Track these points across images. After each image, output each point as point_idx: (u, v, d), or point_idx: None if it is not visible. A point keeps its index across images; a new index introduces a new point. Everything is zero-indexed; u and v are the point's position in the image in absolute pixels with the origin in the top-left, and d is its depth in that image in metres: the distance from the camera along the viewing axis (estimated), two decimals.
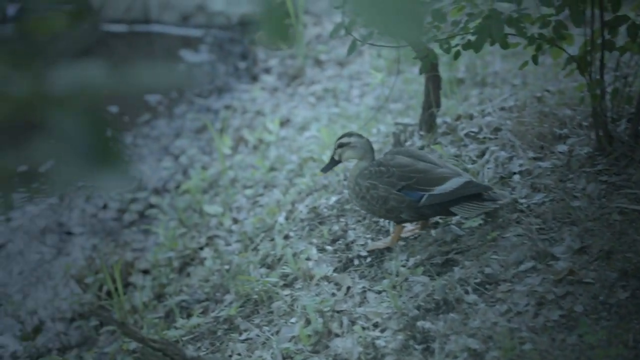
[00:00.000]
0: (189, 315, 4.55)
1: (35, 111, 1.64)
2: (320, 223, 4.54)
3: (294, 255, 4.25)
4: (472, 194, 3.66)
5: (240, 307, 4.15)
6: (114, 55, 10.74)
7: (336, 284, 3.86)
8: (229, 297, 4.38)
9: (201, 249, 5.28)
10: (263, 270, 4.39)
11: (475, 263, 3.52)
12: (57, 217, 6.65)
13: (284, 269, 4.17)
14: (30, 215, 6.70)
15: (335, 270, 3.98)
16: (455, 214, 3.74)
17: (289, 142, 6.70)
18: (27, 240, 6.35)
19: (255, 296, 4.09)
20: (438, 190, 3.69)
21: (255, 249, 4.73)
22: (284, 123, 7.36)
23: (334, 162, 4.05)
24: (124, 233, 6.23)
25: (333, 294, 3.77)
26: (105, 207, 6.69)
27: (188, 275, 5.20)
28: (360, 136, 3.96)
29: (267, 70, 9.41)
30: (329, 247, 4.19)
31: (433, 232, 3.91)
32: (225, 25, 11.19)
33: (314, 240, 4.32)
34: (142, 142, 8.05)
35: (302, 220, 4.70)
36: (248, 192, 5.90)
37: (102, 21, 11.40)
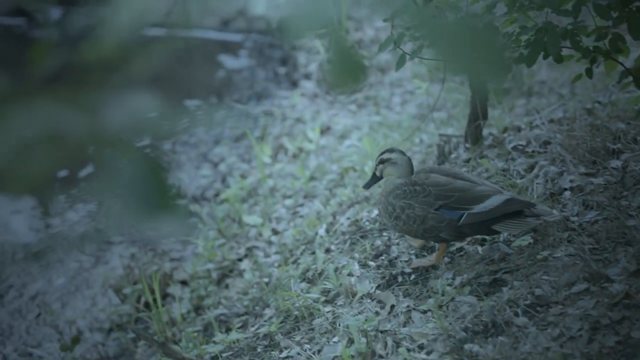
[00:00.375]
0: (228, 330, 4.50)
1: (89, 151, 1.58)
2: (362, 237, 4.46)
3: (336, 270, 4.18)
4: (514, 211, 3.57)
5: (281, 322, 4.08)
6: (155, 61, 10.76)
7: (379, 301, 3.78)
8: (268, 312, 4.32)
9: (240, 260, 5.23)
10: (303, 284, 4.32)
11: (525, 284, 3.41)
12: (97, 224, 6.64)
13: (325, 284, 4.10)
14: (70, 222, 6.71)
15: (378, 287, 3.90)
16: (497, 232, 3.66)
17: (329, 151, 6.63)
18: (67, 247, 6.35)
19: (296, 312, 4.02)
20: (478, 208, 3.62)
21: (296, 262, 4.66)
22: (324, 131, 7.30)
23: (375, 178, 4.00)
24: (162, 243, 6.20)
25: (376, 313, 3.68)
26: None
27: (227, 287, 5.16)
28: (402, 153, 3.92)
29: (307, 76, 9.36)
30: (371, 263, 4.10)
31: (480, 249, 3.81)
32: (265, 30, 11.17)
33: (356, 255, 4.24)
34: (181, 148, 8.04)
35: (343, 234, 4.62)
36: (288, 202, 5.84)
37: (142, 26, 11.45)
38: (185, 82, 9.84)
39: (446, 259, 3.87)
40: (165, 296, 5.39)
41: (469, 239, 3.90)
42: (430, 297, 3.63)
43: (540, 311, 3.27)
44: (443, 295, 3.58)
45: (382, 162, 3.94)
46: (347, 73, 1.54)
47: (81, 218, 6.67)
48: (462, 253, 3.87)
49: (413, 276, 3.88)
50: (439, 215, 3.69)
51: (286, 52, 10.54)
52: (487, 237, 3.88)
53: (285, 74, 9.86)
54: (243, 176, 6.81)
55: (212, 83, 9.74)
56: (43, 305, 5.64)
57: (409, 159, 3.91)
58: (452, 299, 3.52)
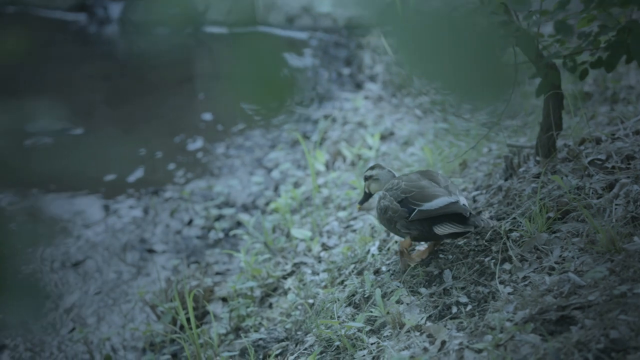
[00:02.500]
0: (266, 357, 4.23)
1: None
2: None
3: (384, 296, 3.86)
4: (456, 216, 3.81)
5: (321, 353, 3.79)
6: (216, 60, 10.64)
7: (429, 335, 3.44)
8: (309, 339, 4.03)
9: (285, 277, 4.96)
10: (349, 310, 4.02)
11: (599, 323, 3.02)
12: (140, 232, 6.49)
13: (371, 311, 3.79)
14: (112, 229, 6.57)
15: (429, 318, 3.56)
16: (438, 236, 3.86)
17: (390, 159, 6.31)
18: (107, 256, 6.21)
19: (338, 342, 3.72)
20: (426, 206, 3.90)
21: (342, 283, 4.36)
22: (386, 137, 6.97)
23: (366, 195, 4.39)
24: (207, 253, 5.99)
25: (425, 349, 3.35)
26: (190, 223, 6.49)
27: (270, 306, 4.89)
28: (381, 167, 4.31)
29: (373, 78, 9.05)
30: (423, 290, 3.77)
31: (547, 279, 3.43)
32: (331, 28, 10.91)
33: (407, 279, 3.91)
34: (235, 152, 7.83)
35: (396, 253, 4.29)
36: (341, 214, 5.54)
37: (205, 23, 11.34)
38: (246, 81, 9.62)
39: (508, 289, 3.51)
40: (205, 314, 5.16)
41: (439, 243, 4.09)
42: (487, 333, 3.27)
43: (616, 357, 2.88)
44: (502, 332, 3.22)
45: (366, 179, 4.35)
46: None
47: (125, 225, 6.53)
48: (526, 282, 3.50)
49: (469, 307, 3.53)
50: (396, 206, 4.00)
51: (351, 52, 10.25)
52: (554, 265, 3.50)
53: (349, 75, 9.57)
54: (296, 184, 6.55)
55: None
56: (78, 319, 5.49)
57: (389, 170, 4.29)
58: (512, 338, 3.16)
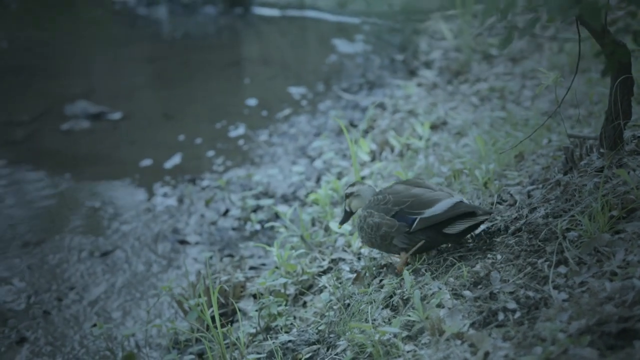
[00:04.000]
0: None
1: None
2: (461, 258, 3.83)
3: (424, 298, 3.57)
4: (464, 214, 3.80)
5: (352, 359, 3.53)
6: (264, 43, 10.43)
7: (471, 345, 3.14)
8: (342, 343, 3.77)
9: (321, 275, 4.69)
10: (386, 312, 3.75)
11: None
12: (174, 222, 6.31)
13: (409, 315, 3.50)
14: (145, 218, 6.40)
15: (472, 325, 3.26)
16: (452, 237, 3.86)
17: (440, 149, 6.00)
18: (137, 247, 6.03)
19: (371, 348, 3.45)
20: (428, 212, 3.88)
21: (381, 283, 4.08)
22: (438, 126, 6.66)
23: (347, 214, 4.41)
24: (242, 247, 5.76)
25: None
26: (226, 213, 6.27)
27: (304, 305, 4.64)
28: (362, 183, 4.34)
29: (428, 64, 8.73)
30: (467, 293, 3.47)
31: (608, 285, 3.10)
32: (385, 13, 10.61)
33: (451, 280, 3.62)
34: (278, 140, 7.60)
35: (439, 252, 4.00)
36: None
37: (253, 4, 11.14)
38: (294, 66, 9.41)
39: (563, 295, 3.19)
40: (235, 312, 4.93)
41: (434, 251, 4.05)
42: (536, 344, 2.96)
43: None
44: (553, 344, 2.90)
45: (347, 196, 4.36)
46: None
47: (158, 214, 6.36)
48: (584, 288, 3.18)
49: (518, 314, 3.22)
50: (391, 220, 3.98)
51: (407, 38, 9.95)
52: (616, 271, 3.17)
53: (402, 61, 9.26)
54: (340, 175, 6.28)
55: (322, 68, 9.27)
56: (103, 313, 5.32)
57: (369, 186, 4.32)
58: (565, 351, 2.84)
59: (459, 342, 3.18)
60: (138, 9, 11.28)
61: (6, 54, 10.03)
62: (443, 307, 3.43)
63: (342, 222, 4.44)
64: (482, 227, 4.02)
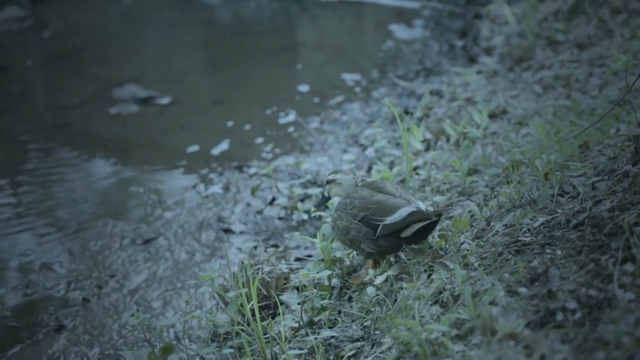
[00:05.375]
0: (337, 358, 3.82)
1: None
2: (518, 252, 3.61)
3: (475, 295, 3.37)
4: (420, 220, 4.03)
5: (397, 358, 3.35)
6: (319, 28, 10.28)
7: (526, 346, 2.94)
8: (387, 341, 3.59)
9: (367, 268, 4.51)
10: (435, 309, 3.56)
11: None
12: (219, 210, 6.19)
13: (459, 312, 3.31)
14: (189, 205, 6.30)
15: (527, 326, 3.05)
16: (408, 240, 4.10)
17: (499, 139, 5.76)
18: (181, 235, 5.93)
19: (417, 347, 3.27)
20: (389, 220, 4.10)
21: (430, 277, 3.88)
22: (497, 115, 6.42)
23: (324, 198, 4.60)
24: (288, 237, 5.61)
25: None
26: (272, 202, 6.14)
27: (349, 299, 4.47)
28: (345, 173, 4.51)
29: (488, 51, 8.47)
30: (523, 290, 3.25)
31: None
32: None
33: (505, 276, 3.41)
34: (329, 127, 7.44)
35: (494, 245, 3.79)
36: (438, 198, 5.05)
37: None
38: (349, 52, 9.23)
39: (629, 295, 2.96)
40: (277, 304, 4.78)
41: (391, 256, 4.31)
42: (598, 348, 2.74)
43: None
44: (618, 348, 2.68)
45: (328, 182, 4.53)
46: None
47: (203, 201, 6.26)
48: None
49: (578, 314, 3.00)
50: (359, 225, 4.19)
51: (468, 23, 9.69)
52: None
53: (462, 48, 9.01)
54: (392, 164, 6.08)
55: (378, 55, 9.07)
56: (142, 302, 5.23)
57: (353, 178, 4.48)
58: (631, 356, 2.62)
59: (512, 343, 2.97)
60: None
61: (58, 38, 10.06)
62: (496, 305, 3.22)
63: (317, 206, 4.65)
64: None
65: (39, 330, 5.00)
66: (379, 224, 4.11)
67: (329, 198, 4.58)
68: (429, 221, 4.02)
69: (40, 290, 5.38)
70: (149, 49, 9.84)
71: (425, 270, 4.06)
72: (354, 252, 4.69)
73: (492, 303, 3.24)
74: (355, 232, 4.20)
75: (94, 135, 7.55)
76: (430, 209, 4.34)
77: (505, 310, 3.16)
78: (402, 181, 5.63)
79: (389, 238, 4.13)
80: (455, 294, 3.56)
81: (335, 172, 4.52)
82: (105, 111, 7.99)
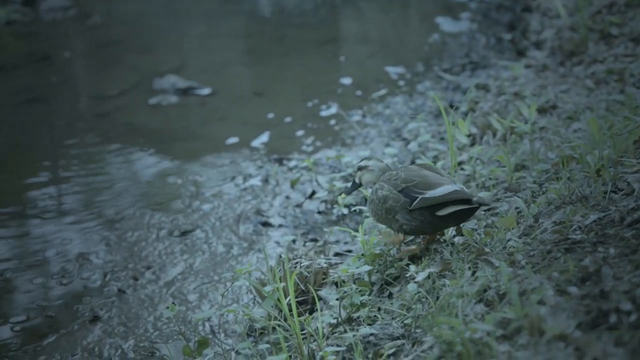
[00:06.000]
0: (376, 356, 3.72)
1: None
2: (568, 250, 3.48)
3: (522, 293, 3.24)
4: (459, 202, 4.02)
5: (439, 357, 3.23)
6: (363, 21, 10.18)
7: (577, 348, 2.81)
8: (429, 340, 3.48)
9: (408, 264, 4.40)
10: (479, 307, 3.44)
11: None
12: (257, 203, 6.12)
13: (505, 311, 3.18)
14: (227, 198, 6.25)
15: (578, 327, 2.92)
16: (443, 222, 4.11)
17: (548, 134, 5.61)
18: (218, 227, 5.87)
19: (460, 347, 3.15)
20: (429, 194, 4.10)
21: (474, 275, 3.76)
22: (547, 110, 6.26)
23: (355, 185, 4.56)
24: (328, 231, 5.52)
25: None
26: (312, 195, 6.05)
27: (389, 296, 4.36)
28: (377, 160, 4.49)
29: (538, 45, 8.29)
30: (573, 290, 3.12)
31: None
32: None
33: (554, 275, 3.28)
34: (371, 121, 7.33)
35: (542, 243, 3.66)
36: (484, 194, 4.92)
37: None
38: (393, 45, 9.11)
39: None
40: (315, 300, 4.69)
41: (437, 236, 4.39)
42: None
43: None
44: None
45: (360, 169, 4.51)
46: None
47: (241, 194, 6.20)
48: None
49: (633, 317, 2.86)
50: (397, 195, 4.19)
51: (517, 16, 9.50)
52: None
53: (510, 41, 8.84)
54: (436, 159, 5.96)
55: (423, 48, 8.94)
56: (178, 295, 5.17)
57: (386, 165, 4.47)
58: None
59: (562, 344, 2.84)
60: None
61: (101, 28, 10.09)
62: (545, 305, 3.10)
63: (348, 192, 4.64)
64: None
65: (74, 320, 4.97)
66: (418, 197, 4.11)
67: (360, 185, 4.55)
68: (467, 206, 3.99)
69: (76, 280, 5.36)
70: (189, 40, 9.81)
71: (469, 268, 3.95)
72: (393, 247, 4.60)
73: (541, 302, 3.12)
74: (393, 202, 4.20)
75: (133, 125, 7.54)
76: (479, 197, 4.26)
77: (554, 310, 3.03)
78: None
79: (424, 213, 4.12)
80: (500, 292, 3.44)
81: (368, 159, 4.51)
82: (145, 101, 7.98)
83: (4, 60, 9.07)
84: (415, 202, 4.11)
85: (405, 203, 4.15)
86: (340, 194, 5.58)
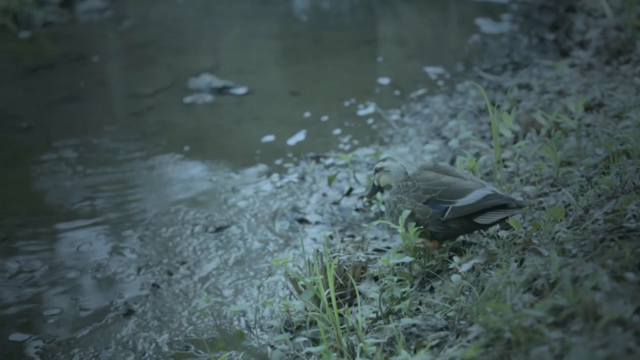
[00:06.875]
0: (419, 347, 3.62)
1: None
2: (622, 238, 3.36)
3: (575, 280, 3.14)
4: (495, 206, 3.99)
5: (487, 346, 3.13)
6: (401, 22, 10.11)
7: (636, 333, 2.70)
8: (474, 330, 3.38)
9: (451, 258, 4.30)
10: (527, 296, 3.33)
11: None
12: (294, 200, 6.06)
13: (556, 298, 3.08)
14: (263, 194, 6.19)
15: (637, 312, 2.81)
16: (482, 226, 4.07)
17: (596, 131, 5.48)
18: (254, 224, 5.81)
19: (509, 334, 3.05)
20: (461, 202, 4.04)
21: (522, 265, 3.66)
22: (593, 108, 6.13)
23: (375, 188, 4.61)
24: (366, 228, 5.44)
25: (629, 350, 2.61)
26: (350, 192, 5.97)
27: (431, 290, 4.26)
28: (393, 160, 4.49)
29: (583, 44, 8.16)
30: (630, 275, 3.01)
31: None
32: None
33: (609, 262, 3.17)
34: (410, 120, 7.25)
35: (594, 232, 3.54)
36: (528, 189, 4.82)
37: None
38: (432, 46, 9.03)
39: None
40: (355, 294, 4.61)
41: (461, 237, 4.35)
42: None
43: None
44: None
45: (377, 171, 4.53)
46: None
47: (277, 191, 6.14)
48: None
49: None
50: (424, 207, 4.14)
51: (560, 16, 9.38)
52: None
53: (553, 41, 8.71)
54: (477, 156, 5.85)
55: (463, 49, 8.84)
56: (213, 290, 5.11)
57: (401, 165, 4.44)
58: None
59: (620, 329, 2.74)
60: None
61: (136, 29, 10.13)
62: (599, 291, 2.99)
63: (369, 196, 4.65)
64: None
65: (108, 314, 4.94)
66: (448, 207, 4.07)
67: (380, 187, 4.57)
68: (508, 214, 3.99)
69: (110, 274, 5.32)
70: (225, 41, 9.81)
71: (516, 260, 3.84)
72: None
73: (595, 289, 3.01)
74: (421, 215, 4.16)
75: (168, 124, 7.52)
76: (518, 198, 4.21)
77: (610, 295, 2.92)
78: (489, 173, 5.40)
79: (460, 221, 4.08)
80: (551, 281, 3.33)
81: (383, 160, 4.51)
82: (180, 100, 7.97)
83: (40, 61, 9.13)
84: (447, 213, 4.08)
85: (435, 214, 4.13)
86: (362, 197, 5.59)
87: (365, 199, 4.72)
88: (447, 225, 4.13)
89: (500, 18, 9.68)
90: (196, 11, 10.69)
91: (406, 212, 4.16)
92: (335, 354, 3.87)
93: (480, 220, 4.03)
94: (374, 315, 4.22)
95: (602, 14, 8.60)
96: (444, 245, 4.46)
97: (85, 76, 8.66)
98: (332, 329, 3.92)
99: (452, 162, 6.11)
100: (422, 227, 4.18)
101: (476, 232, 4.51)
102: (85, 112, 7.81)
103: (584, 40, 8.25)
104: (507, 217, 4.02)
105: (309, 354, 4.11)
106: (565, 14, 9.36)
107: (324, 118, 7.42)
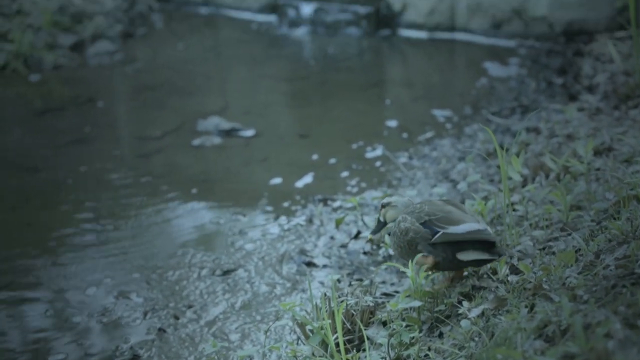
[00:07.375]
0: None
1: None
2: (634, 284, 3.34)
3: (587, 327, 3.10)
4: (480, 245, 4.14)
5: None
6: (409, 65, 10.16)
7: None
8: None
9: (460, 303, 4.27)
10: (538, 343, 3.30)
11: None
12: (301, 243, 6.04)
13: (568, 346, 3.04)
14: (271, 237, 6.18)
15: None
16: (462, 263, 4.20)
17: (605, 175, 5.47)
18: (261, 267, 5.79)
19: None
20: (452, 229, 4.16)
21: (532, 311, 3.63)
22: (602, 152, 6.12)
23: (380, 224, 4.62)
24: (374, 271, 5.42)
25: None
26: (357, 236, 5.95)
27: (440, 335, 4.23)
28: (400, 196, 4.60)
29: (591, 89, 8.18)
30: None
31: None
32: (545, 34, 10.12)
33: (621, 309, 3.13)
34: (418, 162, 7.25)
35: (605, 278, 3.51)
36: (537, 233, 4.79)
37: (400, 26, 10.88)
38: (439, 89, 9.07)
39: None
40: (363, 339, 4.56)
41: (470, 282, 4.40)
42: None
43: None
44: None
45: (383, 206, 4.57)
46: None
47: (285, 233, 6.13)
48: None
49: None
50: (418, 227, 4.25)
51: (568, 60, 9.42)
52: None
53: (561, 85, 8.74)
54: (486, 199, 5.83)
55: (470, 92, 8.88)
56: (220, 334, 5.08)
57: (408, 199, 4.54)
58: None
59: None
60: (279, 30, 11.26)
61: (145, 72, 10.19)
62: (612, 339, 2.95)
63: (374, 232, 4.67)
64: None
65: (114, 359, 4.90)
66: (440, 231, 4.18)
67: (386, 223, 4.60)
68: (489, 257, 4.13)
69: (115, 318, 5.30)
70: (233, 83, 9.87)
71: (526, 306, 3.81)
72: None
73: (607, 336, 2.97)
74: (414, 234, 4.26)
75: (176, 166, 7.54)
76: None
77: (622, 343, 2.89)
78: (498, 216, 5.38)
79: (446, 250, 4.19)
80: (562, 327, 3.30)
81: (390, 195, 4.67)
82: (188, 143, 7.99)
83: (50, 104, 9.18)
84: (437, 236, 4.19)
85: (426, 234, 4.23)
86: (369, 240, 5.62)
87: (370, 236, 4.74)
88: (435, 249, 4.22)
89: (507, 62, 9.72)
90: (205, 55, 10.76)
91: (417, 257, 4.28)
92: None
93: (461, 255, 4.14)
94: None
95: (609, 58, 8.63)
96: (454, 284, 4.46)
97: (94, 119, 8.70)
98: None
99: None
100: (412, 249, 4.31)
101: (485, 276, 4.48)
102: (93, 154, 7.83)
103: (592, 84, 8.27)
104: (486, 261, 4.18)
105: None
106: (573, 58, 9.39)
107: (332, 160, 7.43)
